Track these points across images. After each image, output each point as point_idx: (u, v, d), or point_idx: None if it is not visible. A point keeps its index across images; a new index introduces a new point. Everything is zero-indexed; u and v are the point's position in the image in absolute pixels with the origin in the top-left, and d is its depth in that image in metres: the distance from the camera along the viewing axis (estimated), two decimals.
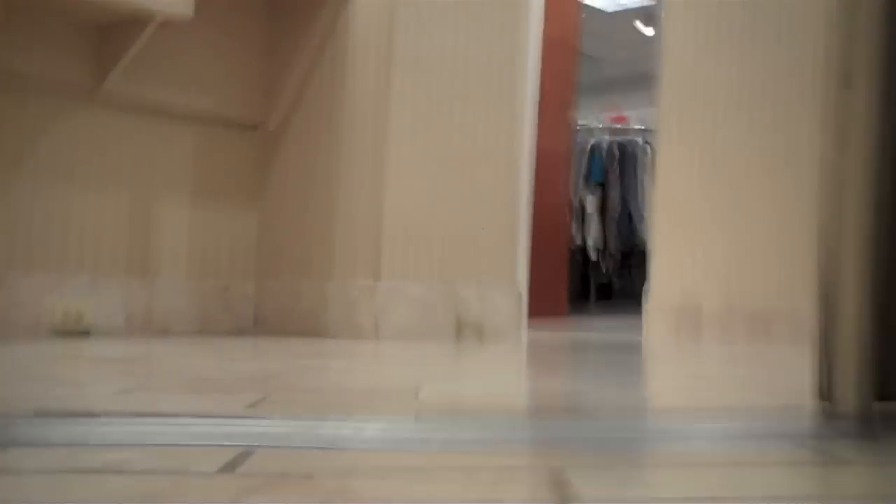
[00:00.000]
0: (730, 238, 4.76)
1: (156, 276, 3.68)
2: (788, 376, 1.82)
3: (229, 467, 0.86)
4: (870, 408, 1.08)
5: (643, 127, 7.52)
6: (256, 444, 1.00)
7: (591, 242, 7.16)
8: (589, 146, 7.21)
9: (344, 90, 3.66)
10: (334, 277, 3.65)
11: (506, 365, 2.48)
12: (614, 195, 7.13)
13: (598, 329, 7.19)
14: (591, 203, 7.14)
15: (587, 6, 8.23)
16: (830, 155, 1.13)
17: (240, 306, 3.95)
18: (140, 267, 3.63)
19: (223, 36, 3.83)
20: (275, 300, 3.91)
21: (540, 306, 5.83)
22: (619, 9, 10.14)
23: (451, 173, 3.73)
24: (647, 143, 7.15)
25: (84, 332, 3.34)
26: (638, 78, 11.71)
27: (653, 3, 8.82)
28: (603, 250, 7.23)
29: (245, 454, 0.93)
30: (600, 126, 7.96)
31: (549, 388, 1.89)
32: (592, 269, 7.55)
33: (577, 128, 6.70)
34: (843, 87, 1.11)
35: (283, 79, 3.88)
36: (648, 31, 10.53)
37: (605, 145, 7.21)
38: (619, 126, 7.82)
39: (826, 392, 1.10)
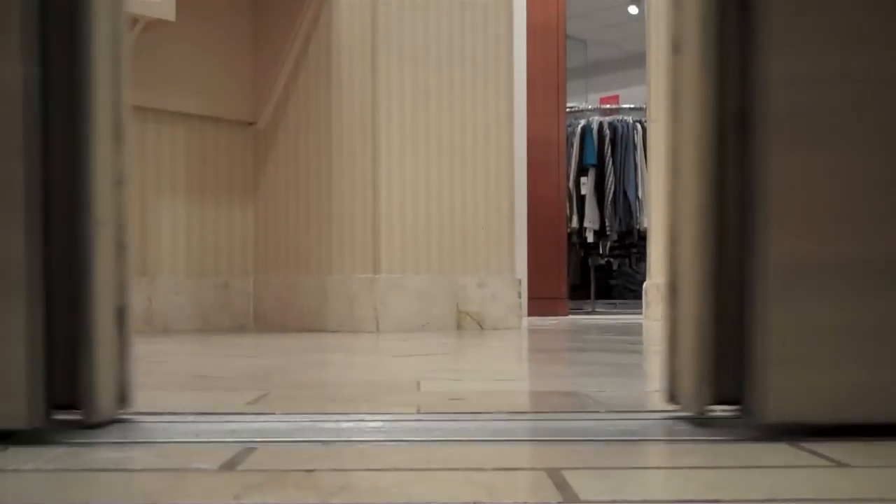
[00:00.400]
0: None
1: (155, 275, 3.68)
2: None
3: (230, 464, 0.87)
4: (708, 411, 1.05)
5: (633, 106, 7.51)
6: (258, 440, 1.00)
7: (587, 225, 7.16)
8: (580, 128, 7.20)
9: (331, 84, 3.65)
10: (333, 272, 3.65)
11: (506, 354, 2.48)
12: (609, 176, 7.13)
13: (598, 312, 7.20)
14: (586, 185, 7.14)
15: None
16: (669, 125, 1.09)
17: (239, 303, 3.96)
18: (139, 265, 3.63)
19: (208, 35, 3.83)
20: (274, 296, 3.91)
21: (540, 292, 5.83)
22: None
23: (446, 163, 3.73)
24: (637, 122, 7.14)
25: None
26: (625, 58, 11.71)
27: None
28: (600, 232, 7.23)
29: (246, 451, 0.93)
30: (590, 108, 7.95)
31: (548, 378, 1.89)
32: (590, 251, 7.55)
33: (567, 110, 6.69)
34: (673, 53, 1.08)
35: (271, 75, 3.87)
36: (633, 10, 10.51)
37: (595, 126, 7.20)
38: (609, 106, 7.81)
39: (671, 394, 1.09)
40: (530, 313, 5.63)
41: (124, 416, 1.10)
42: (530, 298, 5.64)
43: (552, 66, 6.03)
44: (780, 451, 0.92)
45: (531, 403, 1.36)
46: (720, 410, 1.06)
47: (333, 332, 3.53)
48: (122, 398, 1.08)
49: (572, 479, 0.80)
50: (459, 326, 3.71)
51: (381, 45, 3.54)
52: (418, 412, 1.21)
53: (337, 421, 1.13)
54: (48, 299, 1.02)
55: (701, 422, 1.06)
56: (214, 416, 1.17)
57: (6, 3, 1.00)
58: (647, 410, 1.18)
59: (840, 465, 0.85)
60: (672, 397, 1.08)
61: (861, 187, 1.01)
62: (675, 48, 1.08)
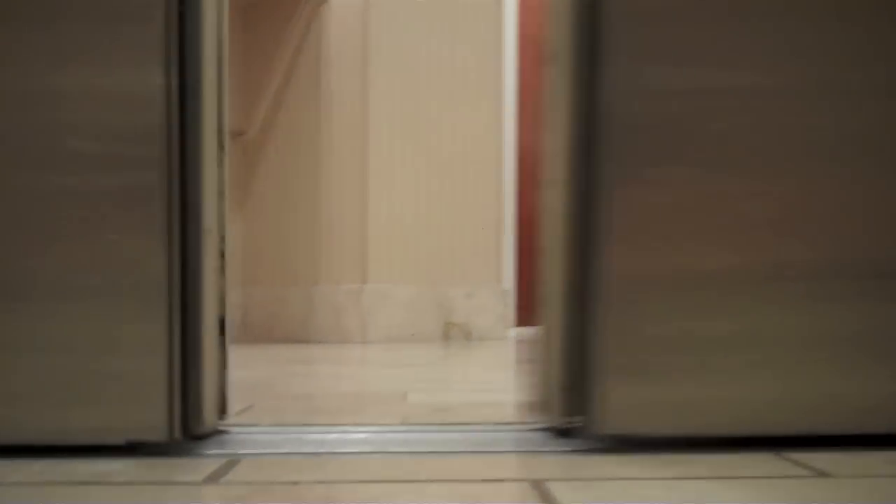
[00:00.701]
0: None
1: None
2: None
3: (214, 477, 0.86)
4: (568, 422, 1.06)
5: None
6: (242, 452, 1.00)
7: None
8: None
9: (320, 95, 3.66)
10: (320, 282, 3.65)
11: (493, 365, 2.48)
12: None
13: None
14: None
15: None
16: (545, 135, 1.10)
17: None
18: None
19: None
20: (261, 307, 3.90)
21: (530, 303, 5.83)
22: None
23: (435, 174, 3.73)
24: None
25: None
26: None
27: None
28: None
29: (231, 463, 0.93)
30: None
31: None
32: None
33: None
34: (550, 65, 1.09)
35: (261, 85, 3.87)
36: None
37: None
38: None
39: (542, 405, 1.10)
40: (520, 323, 5.63)
41: (223, 427, 1.11)
42: (520, 308, 5.64)
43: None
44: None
45: (517, 414, 1.37)
46: (579, 421, 1.07)
47: (320, 343, 3.52)
48: (222, 409, 1.09)
49: (555, 489, 0.80)
50: (447, 337, 3.70)
51: (371, 56, 3.55)
52: (404, 423, 1.21)
53: (322, 432, 1.12)
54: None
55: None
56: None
57: (151, 17, 1.01)
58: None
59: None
60: (542, 408, 1.09)
61: (704, 202, 1.02)
62: (548, 59, 1.09)
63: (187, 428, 1.03)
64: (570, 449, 1.01)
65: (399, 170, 3.62)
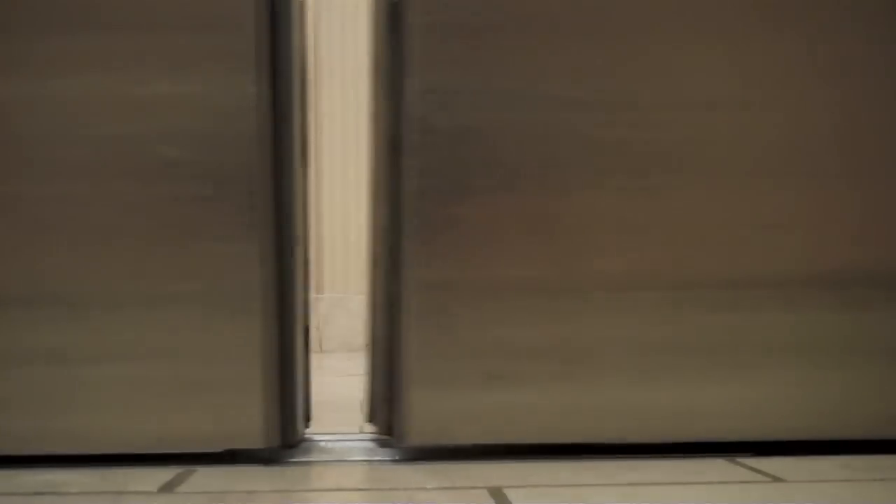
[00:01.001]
0: None
1: None
2: None
3: (169, 486, 0.86)
4: (386, 433, 1.07)
5: None
6: (197, 461, 0.99)
7: None
8: None
9: None
10: None
11: None
12: None
13: None
14: None
15: None
16: (369, 147, 1.11)
17: None
18: None
19: None
20: None
21: None
22: None
23: None
24: None
25: None
26: None
27: None
28: None
29: (186, 472, 0.92)
30: None
31: None
32: None
33: None
34: (371, 77, 1.10)
35: None
36: None
37: None
38: None
39: (369, 415, 1.11)
40: None
41: (308, 436, 1.10)
42: None
43: None
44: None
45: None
46: (390, 432, 1.07)
47: None
48: (307, 417, 1.08)
49: (514, 496, 0.80)
50: None
51: (322, 68, 3.54)
52: (361, 431, 1.21)
53: None
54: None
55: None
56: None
57: (242, 25, 0.99)
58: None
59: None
60: (370, 417, 1.10)
61: (507, 213, 1.02)
62: (370, 71, 1.10)
63: (283, 436, 1.02)
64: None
65: (353, 180, 3.61)
